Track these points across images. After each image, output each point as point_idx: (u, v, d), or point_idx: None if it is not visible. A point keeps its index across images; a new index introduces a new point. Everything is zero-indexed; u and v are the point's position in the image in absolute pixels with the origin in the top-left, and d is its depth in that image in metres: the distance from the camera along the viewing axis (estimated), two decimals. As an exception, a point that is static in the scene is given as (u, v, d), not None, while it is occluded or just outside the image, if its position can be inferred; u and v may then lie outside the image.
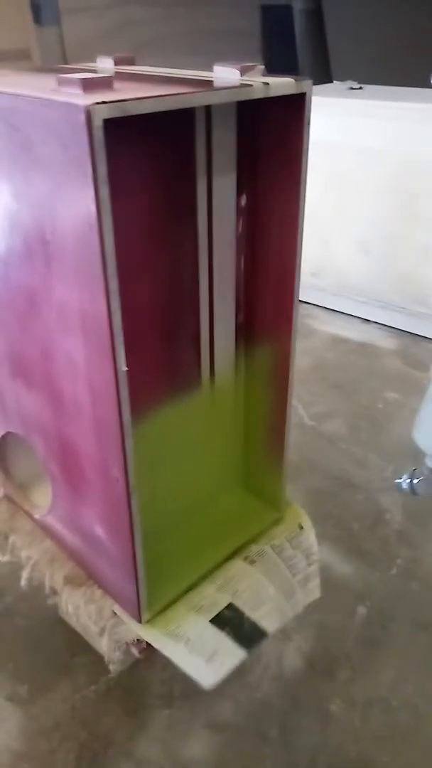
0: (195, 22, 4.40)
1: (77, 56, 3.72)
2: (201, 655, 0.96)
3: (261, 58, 4.93)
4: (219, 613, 1.00)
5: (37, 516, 1.16)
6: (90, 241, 0.69)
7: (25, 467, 1.21)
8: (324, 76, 4.62)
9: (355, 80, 2.83)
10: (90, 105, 0.63)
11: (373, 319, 2.63)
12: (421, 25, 5.45)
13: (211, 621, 0.99)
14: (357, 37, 5.00)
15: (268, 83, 0.79)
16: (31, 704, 1.26)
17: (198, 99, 0.71)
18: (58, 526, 1.11)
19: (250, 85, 0.78)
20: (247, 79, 0.81)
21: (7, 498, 1.25)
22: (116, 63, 1.00)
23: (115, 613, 1.01)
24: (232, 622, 1.00)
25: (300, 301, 3.06)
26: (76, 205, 0.69)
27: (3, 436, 1.14)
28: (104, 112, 0.64)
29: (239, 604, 1.02)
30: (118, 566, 0.97)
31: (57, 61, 3.84)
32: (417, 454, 1.93)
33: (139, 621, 0.98)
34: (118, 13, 4.04)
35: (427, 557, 1.57)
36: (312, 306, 2.82)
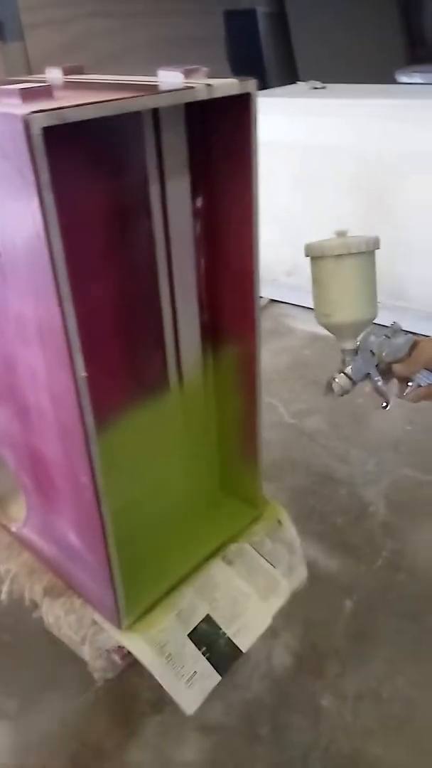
0: (160, 31, 4.41)
1: (43, 71, 3.72)
2: (182, 675, 0.97)
3: (227, 62, 4.95)
4: (197, 626, 1.01)
5: (13, 529, 1.15)
6: (39, 250, 0.70)
7: (0, 481, 1.21)
8: (290, 77, 4.65)
9: (321, 80, 2.85)
10: (27, 114, 0.63)
11: (350, 315, 2.64)
12: (385, 21, 5.52)
13: (189, 635, 1.00)
14: (322, 37, 5.04)
15: (211, 85, 0.80)
16: (20, 719, 1.25)
17: (138, 103, 0.72)
18: (34, 538, 1.10)
19: (193, 87, 0.78)
20: (191, 81, 0.82)
21: (-15, 513, 1.25)
22: (65, 73, 1.01)
23: (96, 621, 1.01)
24: (209, 638, 1.01)
25: (277, 300, 3.06)
26: (23, 215, 0.69)
27: (-24, 452, 1.13)
28: (42, 121, 0.64)
29: (216, 616, 1.02)
30: (94, 574, 0.97)
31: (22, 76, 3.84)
32: (396, 444, 1.95)
33: (119, 627, 0.98)
34: (82, 26, 4.04)
35: (411, 547, 1.58)
36: (289, 305, 2.83)
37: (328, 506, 1.73)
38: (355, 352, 1.05)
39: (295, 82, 3.26)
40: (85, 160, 0.83)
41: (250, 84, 0.84)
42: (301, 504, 1.74)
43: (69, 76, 1.00)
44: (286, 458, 1.94)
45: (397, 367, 1.05)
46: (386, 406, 1.07)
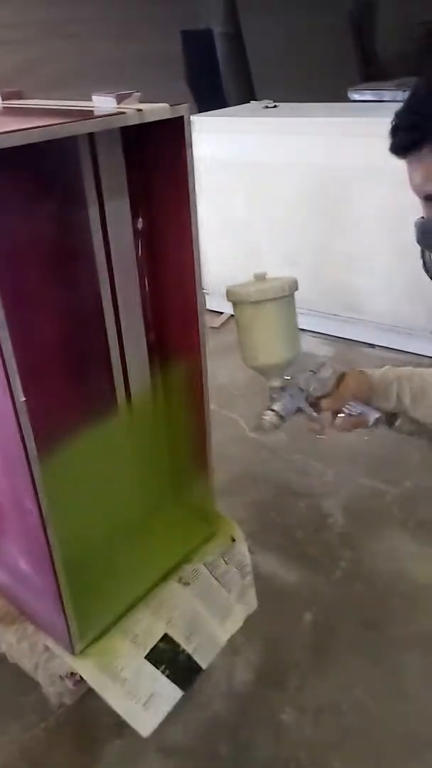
0: (117, 51, 4.44)
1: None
2: (137, 698, 0.96)
3: (186, 82, 5.01)
4: (155, 646, 1.00)
5: (-35, 556, 1.13)
6: (-30, 276, 0.70)
7: None
8: (247, 95, 4.73)
9: (277, 98, 2.90)
10: None
11: (308, 328, 2.67)
12: (339, 40, 5.66)
13: (146, 657, 0.99)
14: (277, 56, 5.14)
15: (141, 110, 0.81)
16: (-21, 750, 1.23)
17: (67, 129, 0.73)
18: (-15, 565, 1.09)
19: (124, 113, 0.80)
20: (123, 106, 0.83)
21: None
22: (3, 98, 1.02)
23: (48, 648, 1.00)
24: (167, 656, 1.01)
25: (234, 316, 3.07)
26: None
27: None
28: (-32, 149, 0.64)
29: (174, 634, 1.02)
30: (45, 599, 0.96)
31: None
32: (353, 455, 1.97)
33: (72, 653, 0.97)
34: (38, 47, 4.06)
35: (369, 558, 1.60)
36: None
37: (288, 519, 1.74)
38: (283, 389, 1.08)
39: (252, 100, 3.32)
40: (20, 185, 0.84)
41: (183, 108, 0.85)
42: (262, 517, 1.75)
43: (7, 102, 1.01)
44: (247, 472, 1.95)
45: (324, 403, 1.08)
46: (323, 436, 1.10)
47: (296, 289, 1.05)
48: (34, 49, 4.02)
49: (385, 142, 1.01)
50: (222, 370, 2.43)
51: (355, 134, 2.35)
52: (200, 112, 3.09)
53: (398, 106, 0.99)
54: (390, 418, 1.11)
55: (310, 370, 1.09)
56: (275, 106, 2.74)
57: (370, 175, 2.33)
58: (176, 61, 4.99)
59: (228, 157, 2.63)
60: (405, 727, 1.23)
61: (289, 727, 1.24)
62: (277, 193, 2.58)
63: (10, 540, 0.99)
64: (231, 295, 1.05)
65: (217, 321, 2.86)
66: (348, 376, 1.10)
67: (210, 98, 4.78)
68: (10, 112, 0.91)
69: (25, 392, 0.77)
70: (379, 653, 1.37)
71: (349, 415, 1.09)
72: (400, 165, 1.03)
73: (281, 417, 1.08)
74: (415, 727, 1.22)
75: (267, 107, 2.74)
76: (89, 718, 1.26)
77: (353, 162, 2.37)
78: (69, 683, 0.97)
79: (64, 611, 0.93)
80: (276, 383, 1.08)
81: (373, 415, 1.10)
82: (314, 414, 1.09)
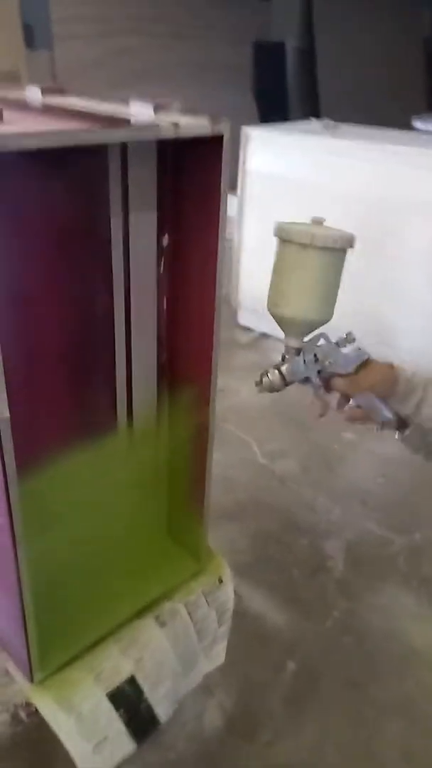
0: (189, 54, 4.42)
1: (67, 82, 3.65)
2: (90, 738, 0.90)
3: (252, 92, 4.97)
4: (119, 686, 0.94)
5: None
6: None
7: None
8: (312, 112, 4.67)
9: (340, 118, 2.83)
10: (-37, 138, 0.59)
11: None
12: (411, 67, 5.57)
13: (108, 694, 0.93)
14: (347, 76, 5.07)
15: (177, 124, 0.76)
16: None
17: (94, 137, 0.68)
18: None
19: (158, 125, 0.75)
20: (160, 117, 0.78)
21: None
22: (44, 93, 0.98)
23: (8, 672, 0.95)
24: (129, 701, 0.95)
25: (267, 334, 2.99)
26: None
27: None
28: (-22, 146, 0.60)
29: (140, 678, 0.96)
30: (8, 619, 0.91)
31: (46, 85, 3.83)
32: (364, 496, 1.89)
33: (31, 681, 0.92)
34: (113, 42, 4.06)
35: (364, 610, 1.52)
36: (278, 341, 2.79)
37: (287, 556, 1.67)
38: (298, 352, 0.97)
39: (316, 117, 3.25)
40: (39, 189, 0.79)
41: (224, 126, 0.80)
42: (260, 550, 1.68)
43: (47, 97, 0.96)
44: (253, 500, 1.88)
45: (337, 382, 0.97)
46: (322, 415, 0.99)
47: (350, 246, 0.93)
48: (107, 43, 4.02)
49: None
50: (244, 389, 2.37)
51: (415, 165, 2.27)
52: (263, 123, 3.04)
53: None
54: (400, 425, 1.00)
55: (335, 342, 0.97)
56: (336, 127, 2.67)
57: (423, 209, 2.25)
58: (243, 69, 4.96)
59: (277, 172, 2.58)
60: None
61: (253, 784, 1.17)
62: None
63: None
64: (280, 231, 0.93)
65: (246, 338, 2.80)
66: (375, 365, 0.98)
67: (274, 111, 4.73)
68: (39, 111, 0.87)
69: (16, 401, 0.72)
70: (358, 715, 1.29)
71: (358, 406, 0.98)
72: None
73: (284, 380, 0.96)
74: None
75: (327, 127, 2.67)
76: (46, 743, 1.20)
77: (407, 193, 2.29)
78: (23, 714, 0.92)
79: (26, 636, 0.88)
80: (293, 343, 0.96)
81: (385, 416, 0.98)
82: (322, 391, 0.98)
